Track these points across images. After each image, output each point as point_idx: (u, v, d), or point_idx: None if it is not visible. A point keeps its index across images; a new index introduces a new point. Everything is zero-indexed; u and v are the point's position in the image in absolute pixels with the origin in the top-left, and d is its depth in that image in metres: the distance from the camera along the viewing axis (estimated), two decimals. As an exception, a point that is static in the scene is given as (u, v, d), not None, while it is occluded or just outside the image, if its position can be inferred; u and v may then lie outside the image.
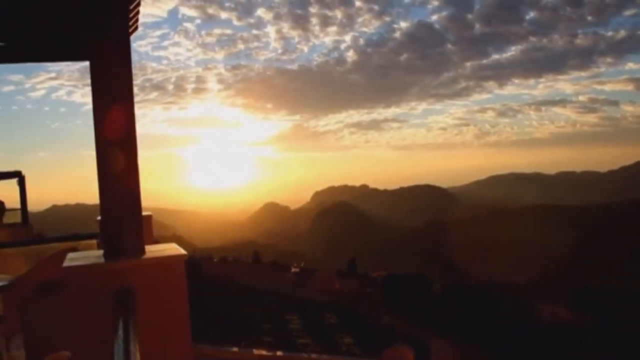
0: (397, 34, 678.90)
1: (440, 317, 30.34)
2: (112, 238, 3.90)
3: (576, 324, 28.59)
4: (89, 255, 4.05)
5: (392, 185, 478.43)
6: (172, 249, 4.02)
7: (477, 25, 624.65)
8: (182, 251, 3.92)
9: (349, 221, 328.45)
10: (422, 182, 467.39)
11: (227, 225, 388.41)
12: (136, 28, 4.87)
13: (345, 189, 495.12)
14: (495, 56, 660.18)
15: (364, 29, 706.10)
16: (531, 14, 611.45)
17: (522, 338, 27.47)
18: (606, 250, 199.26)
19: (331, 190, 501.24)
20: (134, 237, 3.90)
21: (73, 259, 3.86)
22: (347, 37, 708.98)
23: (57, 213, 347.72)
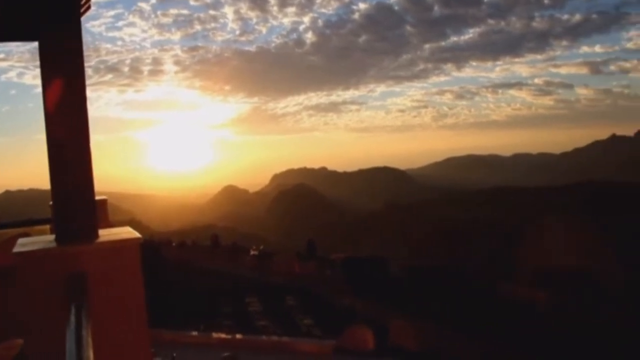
0: (356, 16, 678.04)
1: (399, 297, 30.73)
2: (64, 222, 3.83)
3: (533, 301, 29.27)
4: (40, 240, 3.97)
5: (351, 168, 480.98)
6: (126, 232, 3.96)
7: (436, 7, 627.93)
8: (137, 234, 3.86)
9: (308, 203, 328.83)
10: (381, 164, 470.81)
11: (186, 209, 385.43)
12: (89, 7, 4.75)
13: (304, 171, 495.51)
14: (454, 38, 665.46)
15: (323, 10, 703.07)
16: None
17: (480, 315, 28.02)
18: (560, 231, 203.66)
19: (290, 172, 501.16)
20: (86, 221, 3.82)
21: (23, 245, 3.78)
22: (306, 19, 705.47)
23: (11, 198, 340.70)
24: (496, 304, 28.98)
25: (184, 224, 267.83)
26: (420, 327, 24.12)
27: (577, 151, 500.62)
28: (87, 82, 3.95)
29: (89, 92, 3.87)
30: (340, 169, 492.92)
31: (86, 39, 3.82)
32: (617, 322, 26.11)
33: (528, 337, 24.91)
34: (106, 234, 3.91)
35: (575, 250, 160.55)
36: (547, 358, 22.00)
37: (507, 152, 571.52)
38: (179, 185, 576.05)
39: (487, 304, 28.96)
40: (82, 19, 4.01)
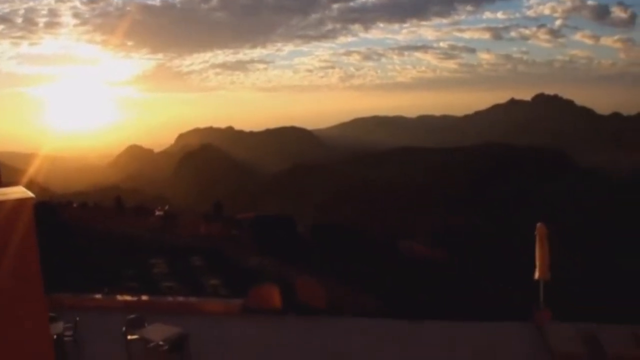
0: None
1: (306, 255, 31.10)
2: (-51, 182, 3.58)
3: (432, 258, 30.31)
4: None
5: (258, 127, 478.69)
6: (18, 192, 3.75)
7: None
8: (30, 194, 3.66)
9: (215, 164, 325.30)
10: (288, 124, 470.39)
11: (87, 170, 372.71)
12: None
13: (211, 131, 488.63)
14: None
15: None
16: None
17: (385, 272, 28.80)
18: (463, 190, 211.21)
19: (196, 132, 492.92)
20: (-27, 181, 3.59)
21: None
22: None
23: None
24: (398, 262, 29.86)
25: (85, 185, 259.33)
26: (326, 284, 24.56)
27: (479, 114, 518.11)
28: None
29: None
30: (247, 128, 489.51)
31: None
32: (505, 278, 27.62)
33: (428, 291, 25.90)
34: (-4, 194, 3.69)
35: (475, 210, 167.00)
36: (444, 309, 22.98)
37: (412, 113, 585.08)
38: (79, 145, 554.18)
39: (390, 261, 29.80)
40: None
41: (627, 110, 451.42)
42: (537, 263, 20.89)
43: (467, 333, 20.32)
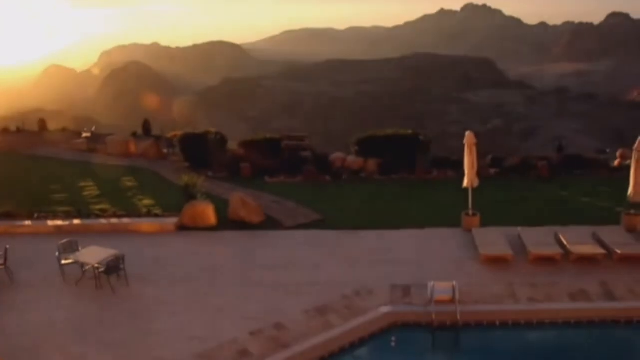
0: None
1: (237, 170, 31.16)
2: None
3: (365, 169, 30.83)
4: None
5: (185, 43, 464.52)
6: None
7: None
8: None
9: (142, 82, 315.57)
10: (216, 38, 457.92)
11: (6, 93, 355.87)
12: None
13: (135, 48, 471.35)
14: None
15: None
16: None
17: (319, 184, 29.24)
18: (393, 101, 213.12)
19: (120, 50, 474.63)
20: None
21: None
22: None
23: None
24: (331, 173, 30.26)
25: (6, 109, 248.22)
26: (259, 198, 24.82)
27: (408, 25, 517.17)
28: None
29: None
30: (173, 44, 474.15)
31: None
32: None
33: (361, 202, 26.44)
34: None
35: (405, 120, 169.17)
36: (378, 218, 23.69)
37: (341, 25, 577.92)
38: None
39: (323, 172, 30.17)
40: None
41: (553, 20, 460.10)
42: (466, 171, 21.57)
43: (400, 240, 21.04)
